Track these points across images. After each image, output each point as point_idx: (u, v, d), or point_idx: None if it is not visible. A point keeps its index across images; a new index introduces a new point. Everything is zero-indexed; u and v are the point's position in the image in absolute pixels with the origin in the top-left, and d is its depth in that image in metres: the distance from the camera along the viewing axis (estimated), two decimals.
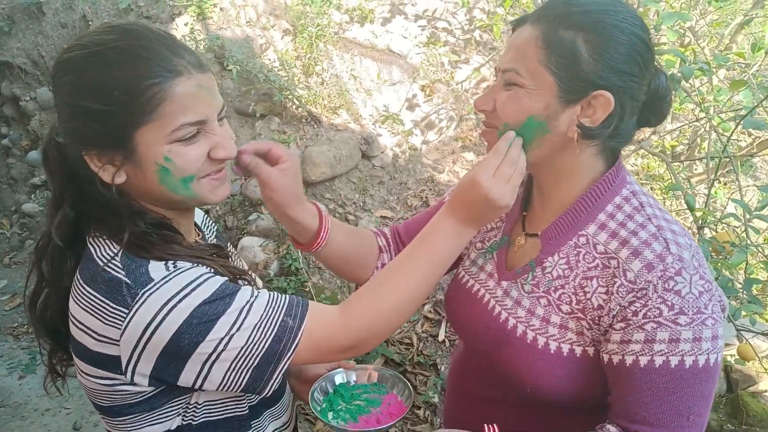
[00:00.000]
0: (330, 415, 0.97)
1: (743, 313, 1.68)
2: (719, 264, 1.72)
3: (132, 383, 0.76)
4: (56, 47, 4.31)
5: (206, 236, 0.99)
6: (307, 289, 2.84)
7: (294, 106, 3.29)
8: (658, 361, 0.75)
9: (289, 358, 0.77)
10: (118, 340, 0.73)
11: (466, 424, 0.92)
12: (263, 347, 0.75)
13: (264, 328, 0.75)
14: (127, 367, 0.74)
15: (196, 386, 0.76)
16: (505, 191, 0.80)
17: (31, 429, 2.73)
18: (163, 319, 0.71)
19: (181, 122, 0.74)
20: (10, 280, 4.05)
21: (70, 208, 0.80)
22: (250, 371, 0.76)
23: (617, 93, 0.78)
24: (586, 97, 0.78)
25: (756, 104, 1.72)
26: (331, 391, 1.02)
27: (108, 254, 0.76)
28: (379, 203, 3.17)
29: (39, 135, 4.37)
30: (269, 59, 3.38)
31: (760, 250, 2.07)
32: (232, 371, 0.75)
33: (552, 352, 0.84)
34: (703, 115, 2.19)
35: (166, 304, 0.71)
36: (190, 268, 0.76)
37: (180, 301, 0.72)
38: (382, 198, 3.20)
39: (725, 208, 2.12)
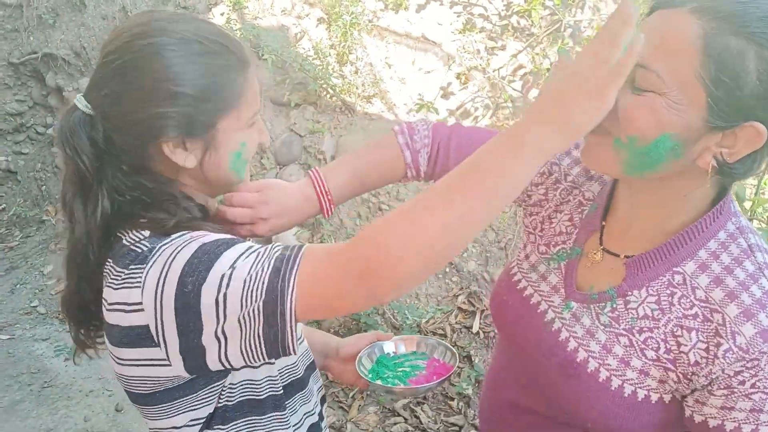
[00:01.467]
0: (378, 382, 0.98)
1: None
2: None
3: (170, 363, 0.72)
4: (97, 38, 4.41)
5: None
6: None
7: (328, 95, 3.29)
8: (764, 431, 0.66)
9: (292, 291, 0.65)
10: (142, 303, 0.70)
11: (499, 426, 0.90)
12: (263, 281, 0.66)
13: (262, 260, 0.68)
14: (157, 337, 0.71)
15: (221, 358, 0.70)
16: (612, 79, 0.57)
17: (77, 409, 2.84)
18: (170, 266, 0.69)
19: (252, 110, 0.81)
20: (56, 266, 4.20)
21: (107, 197, 0.77)
22: (259, 317, 0.66)
23: None
24: (735, 126, 0.63)
25: None
26: (374, 363, 1.03)
27: (136, 236, 0.76)
28: (413, 192, 3.15)
29: None
30: (304, 48, 3.38)
31: None
32: (243, 323, 0.67)
33: (626, 396, 0.75)
34: None
35: (172, 253, 0.70)
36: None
37: (183, 247, 0.70)
38: (417, 187, 3.18)
39: None
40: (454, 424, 2.44)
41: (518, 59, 3.38)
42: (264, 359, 0.71)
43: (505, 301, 0.93)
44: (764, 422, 0.66)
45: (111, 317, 0.75)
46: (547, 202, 0.93)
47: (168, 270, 0.69)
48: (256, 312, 0.66)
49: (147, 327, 0.71)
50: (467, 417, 2.45)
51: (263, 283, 0.66)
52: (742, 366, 0.66)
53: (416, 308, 2.75)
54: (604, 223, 0.84)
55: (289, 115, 3.30)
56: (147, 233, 0.76)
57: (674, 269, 0.74)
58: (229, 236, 0.75)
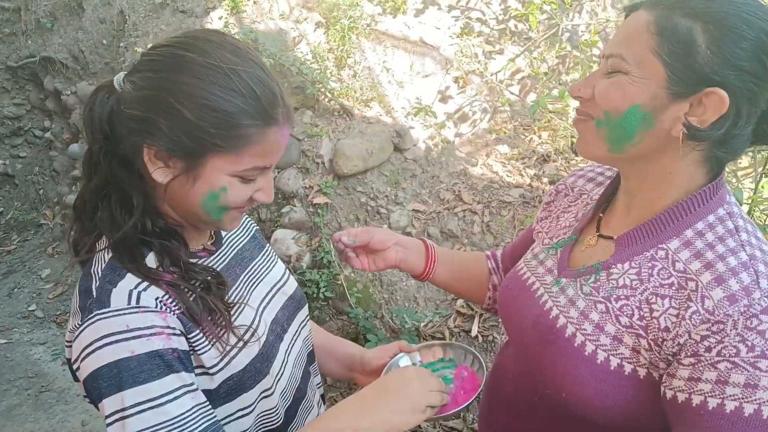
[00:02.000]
0: None
1: None
2: None
3: None
4: (95, 42, 4.41)
5: (223, 239, 0.96)
6: (339, 282, 2.85)
7: (326, 99, 3.30)
8: (730, 406, 0.66)
9: None
10: (71, 345, 0.75)
11: (498, 429, 0.90)
12: None
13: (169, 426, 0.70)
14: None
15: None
16: (426, 396, 0.85)
17: (74, 413, 2.83)
18: (93, 351, 0.70)
19: (254, 165, 0.77)
20: (53, 270, 4.19)
21: (101, 178, 0.80)
22: None
23: (734, 93, 0.69)
24: (697, 93, 0.70)
25: None
26: None
27: (97, 266, 0.77)
28: (411, 196, 3.15)
29: (79, 129, 4.50)
30: (302, 52, 3.39)
31: None
32: None
33: (599, 362, 0.77)
34: None
35: (103, 338, 0.70)
36: (150, 311, 0.73)
37: (115, 342, 0.70)
38: (415, 191, 3.18)
39: None
40: (453, 428, 2.44)
41: (516, 63, 3.39)
42: None
43: (506, 287, 1.00)
44: (730, 395, 0.66)
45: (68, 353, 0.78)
46: (556, 209, 1.04)
47: (90, 354, 0.70)
48: None
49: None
50: (466, 421, 2.45)
51: None
52: (707, 329, 0.68)
53: (415, 312, 2.75)
54: (601, 214, 0.90)
55: None
56: (105, 260, 0.77)
57: (659, 245, 0.78)
58: (163, 349, 0.72)
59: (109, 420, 0.70)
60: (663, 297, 0.74)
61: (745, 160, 3.13)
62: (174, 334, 0.74)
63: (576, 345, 0.80)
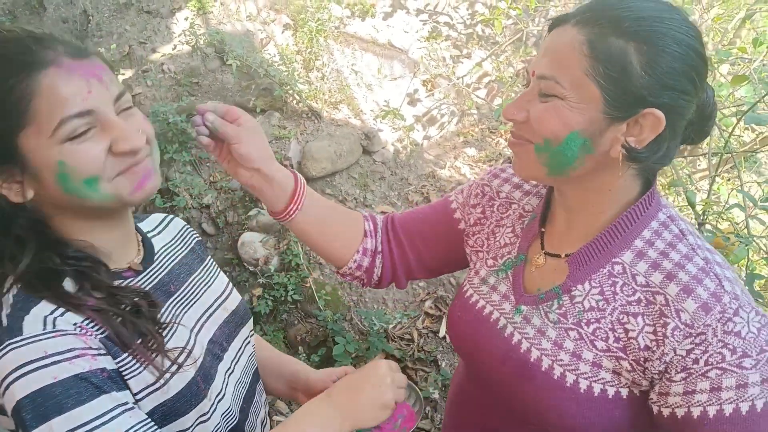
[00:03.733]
0: None
1: None
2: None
3: None
4: None
5: (156, 253, 0.89)
6: (308, 285, 2.84)
7: (294, 101, 3.29)
8: (728, 409, 0.67)
9: None
10: None
11: None
12: None
13: None
14: None
15: None
16: (395, 392, 0.81)
17: None
18: (12, 382, 0.63)
19: (60, 116, 0.65)
20: None
21: None
22: None
23: (668, 112, 0.69)
24: (634, 115, 0.70)
25: (757, 100, 1.71)
26: None
27: (9, 295, 0.69)
28: (380, 199, 3.16)
29: None
30: (269, 54, 3.37)
31: (763, 245, 2.06)
32: None
33: (582, 391, 0.76)
34: None
35: (20, 367, 0.63)
36: (69, 334, 0.66)
37: (34, 370, 0.63)
38: (383, 193, 3.19)
39: (726, 204, 2.11)
40: (421, 429, 2.45)
41: (483, 67, 3.44)
42: None
43: (459, 317, 0.95)
44: (726, 399, 0.68)
45: None
46: (486, 220, 0.98)
47: (10, 384, 0.63)
48: None
49: None
50: (434, 422, 2.47)
51: None
52: (691, 343, 0.69)
53: (383, 314, 2.76)
54: (543, 229, 0.88)
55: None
56: (16, 287, 0.69)
57: (613, 260, 0.78)
58: (89, 369, 0.65)
59: None
60: (635, 315, 0.74)
61: (703, 162, 3.23)
62: (99, 354, 0.68)
63: (555, 377, 0.78)
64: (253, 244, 2.98)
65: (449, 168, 3.36)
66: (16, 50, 0.66)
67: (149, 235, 0.92)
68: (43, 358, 0.64)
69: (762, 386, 0.67)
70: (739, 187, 2.12)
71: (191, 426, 0.78)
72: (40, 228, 0.72)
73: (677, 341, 0.70)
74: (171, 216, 1.02)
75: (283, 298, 2.82)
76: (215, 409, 0.82)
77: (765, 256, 1.97)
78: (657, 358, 0.71)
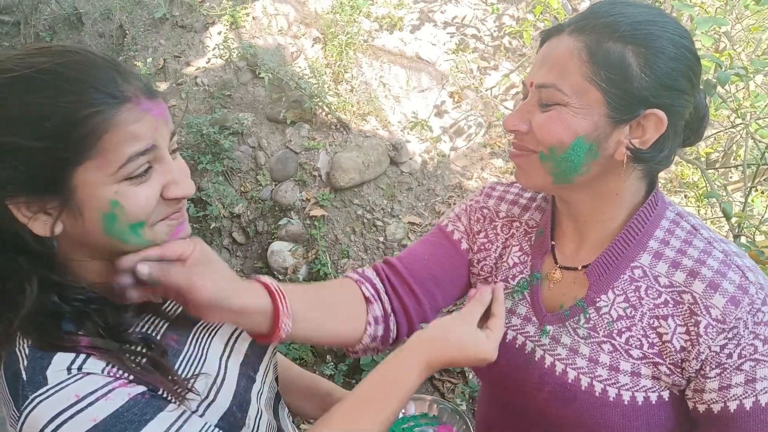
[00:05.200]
0: None
1: None
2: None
3: None
4: None
5: None
6: None
7: (324, 113, 3.34)
8: (764, 399, 0.68)
9: None
10: None
11: None
12: None
13: None
14: None
15: None
16: (494, 348, 0.76)
17: None
18: None
19: (129, 154, 0.61)
20: None
21: None
22: None
23: (669, 111, 0.70)
24: (636, 116, 0.70)
25: None
26: None
27: (21, 348, 0.63)
28: (407, 209, 3.18)
29: None
30: (300, 67, 3.44)
31: None
32: None
33: (626, 403, 0.75)
34: (739, 121, 2.15)
35: (54, 418, 0.58)
36: (96, 375, 0.61)
37: (70, 418, 0.58)
38: (410, 204, 3.21)
39: (763, 217, 2.07)
40: None
41: (510, 79, 3.45)
42: None
43: None
44: (761, 390, 0.68)
45: None
46: (492, 244, 0.93)
47: None
48: None
49: None
50: None
51: None
52: (725, 338, 0.69)
53: None
54: (553, 243, 0.86)
55: (285, 133, 3.34)
56: (28, 342, 0.63)
57: (631, 264, 0.77)
58: (133, 395, 0.61)
59: None
60: (665, 317, 0.73)
61: (735, 174, 3.18)
62: (132, 381, 0.63)
63: (597, 395, 0.76)
64: (282, 253, 3.03)
65: (476, 179, 3.37)
66: (104, 80, 0.62)
67: None
68: (76, 403, 0.58)
69: None
70: None
71: None
72: (45, 266, 0.64)
73: (711, 338, 0.70)
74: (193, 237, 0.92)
75: None
76: None
77: None
78: (693, 358, 0.71)
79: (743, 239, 1.98)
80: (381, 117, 3.43)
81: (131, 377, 0.63)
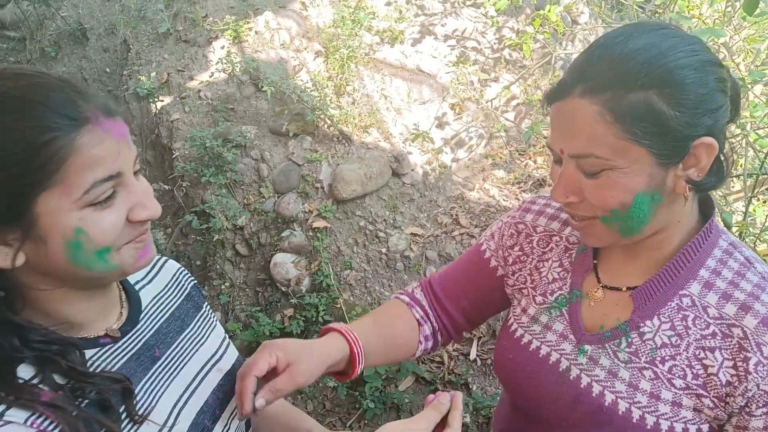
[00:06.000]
0: None
1: None
2: None
3: None
4: (98, 71, 4.50)
5: (144, 310, 0.78)
6: (338, 306, 2.87)
7: (326, 125, 3.36)
8: None
9: None
10: None
11: None
12: None
13: None
14: None
15: None
16: None
17: None
18: None
19: (92, 180, 0.60)
20: None
21: None
22: None
23: (713, 133, 0.68)
24: (686, 153, 0.68)
25: None
26: None
27: None
28: (409, 220, 3.19)
29: None
30: (302, 80, 3.47)
31: None
32: None
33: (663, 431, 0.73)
34: (739, 131, 2.16)
35: None
36: (18, 425, 0.57)
37: None
38: (413, 215, 3.22)
39: (764, 225, 2.08)
40: None
41: (511, 90, 3.47)
42: None
43: (511, 360, 0.89)
44: None
45: None
46: (527, 257, 0.94)
47: None
48: None
49: None
50: None
51: None
52: None
53: None
54: (596, 261, 0.84)
55: (288, 145, 3.36)
56: None
57: (680, 292, 0.75)
58: None
59: None
60: (711, 350, 0.71)
61: (737, 184, 3.19)
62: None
63: (635, 421, 0.74)
64: (285, 264, 3.04)
65: (478, 190, 3.38)
66: (59, 101, 0.59)
67: (138, 286, 0.81)
68: None
69: None
70: None
71: None
72: (5, 305, 0.62)
73: (761, 377, 0.68)
74: (165, 258, 0.90)
75: (314, 319, 2.85)
76: None
77: None
78: (740, 394, 0.69)
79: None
80: (383, 129, 3.46)
81: None
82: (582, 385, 0.79)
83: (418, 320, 1.03)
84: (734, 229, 1.91)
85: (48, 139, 0.57)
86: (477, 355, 2.72)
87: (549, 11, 2.87)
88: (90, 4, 4.61)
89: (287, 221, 3.18)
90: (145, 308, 0.79)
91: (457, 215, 3.21)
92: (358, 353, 0.86)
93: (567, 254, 0.89)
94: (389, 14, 3.72)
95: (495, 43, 3.73)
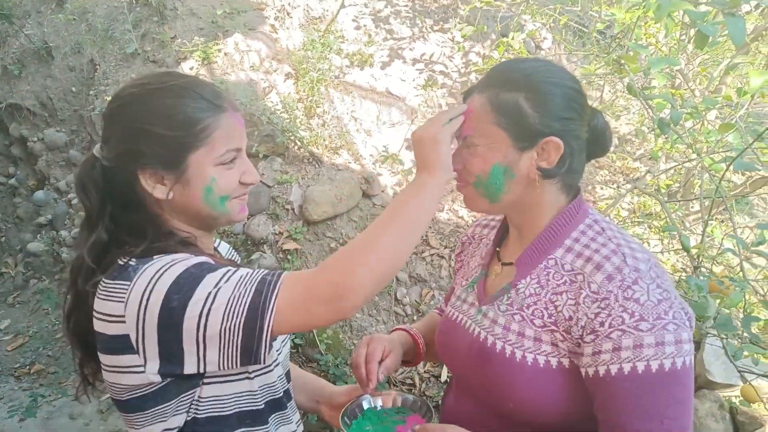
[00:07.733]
0: None
1: (745, 353, 1.68)
2: (719, 301, 1.73)
3: (145, 368, 0.82)
4: (64, 90, 4.43)
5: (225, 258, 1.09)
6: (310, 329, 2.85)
7: (296, 147, 3.37)
8: (626, 368, 0.80)
9: (271, 312, 0.79)
10: (124, 315, 0.81)
11: None
12: (246, 300, 0.79)
13: (245, 282, 0.81)
14: (137, 345, 0.81)
15: (200, 367, 0.82)
16: (442, 132, 0.91)
17: None
18: (155, 285, 0.80)
19: (226, 148, 0.90)
20: (13, 320, 4.06)
21: (104, 230, 0.91)
22: (240, 330, 0.79)
23: (563, 136, 0.91)
24: (538, 143, 0.91)
25: (745, 147, 1.77)
26: (360, 415, 1.08)
27: (127, 258, 0.87)
28: None
29: (46, 175, 4.45)
30: (272, 102, 3.47)
31: (759, 287, 2.08)
32: (224, 333, 0.79)
33: (529, 364, 0.90)
34: (695, 156, 2.24)
35: (157, 272, 0.81)
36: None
37: (169, 267, 0.81)
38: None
39: (721, 246, 2.15)
40: None
41: None
42: (237, 367, 0.82)
43: (441, 331, 1.13)
44: (624, 359, 0.80)
45: (97, 325, 0.86)
46: (465, 257, 1.22)
47: (153, 287, 0.80)
48: (237, 327, 0.79)
49: (127, 336, 0.82)
50: None
51: (246, 302, 0.79)
52: (597, 307, 0.84)
53: None
54: (498, 248, 1.10)
55: (258, 166, 3.35)
56: (136, 256, 0.87)
57: (548, 257, 0.96)
58: (210, 261, 0.86)
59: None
60: (561, 293, 0.91)
61: (696, 205, 3.30)
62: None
63: (507, 356, 0.93)
64: (271, 263, 3.01)
65: (447, 211, 3.42)
66: (212, 95, 0.92)
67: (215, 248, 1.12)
68: (174, 261, 0.83)
69: (656, 348, 0.79)
70: (732, 231, 2.17)
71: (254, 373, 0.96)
72: (158, 222, 0.93)
73: (587, 306, 0.85)
74: (218, 241, 1.17)
75: None
76: (277, 364, 1.01)
77: (761, 299, 1.99)
78: (575, 323, 0.86)
79: (703, 269, 2.05)
80: (353, 151, 3.48)
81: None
82: (474, 334, 1.00)
83: None
84: (693, 252, 1.97)
85: (204, 116, 0.89)
86: (448, 377, 2.72)
87: (512, 38, 2.95)
88: (55, 22, 4.54)
89: (257, 243, 3.16)
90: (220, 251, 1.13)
91: (427, 236, 3.24)
92: (421, 344, 1.22)
93: (486, 248, 1.14)
94: (358, 38, 3.77)
95: (462, 67, 3.81)
